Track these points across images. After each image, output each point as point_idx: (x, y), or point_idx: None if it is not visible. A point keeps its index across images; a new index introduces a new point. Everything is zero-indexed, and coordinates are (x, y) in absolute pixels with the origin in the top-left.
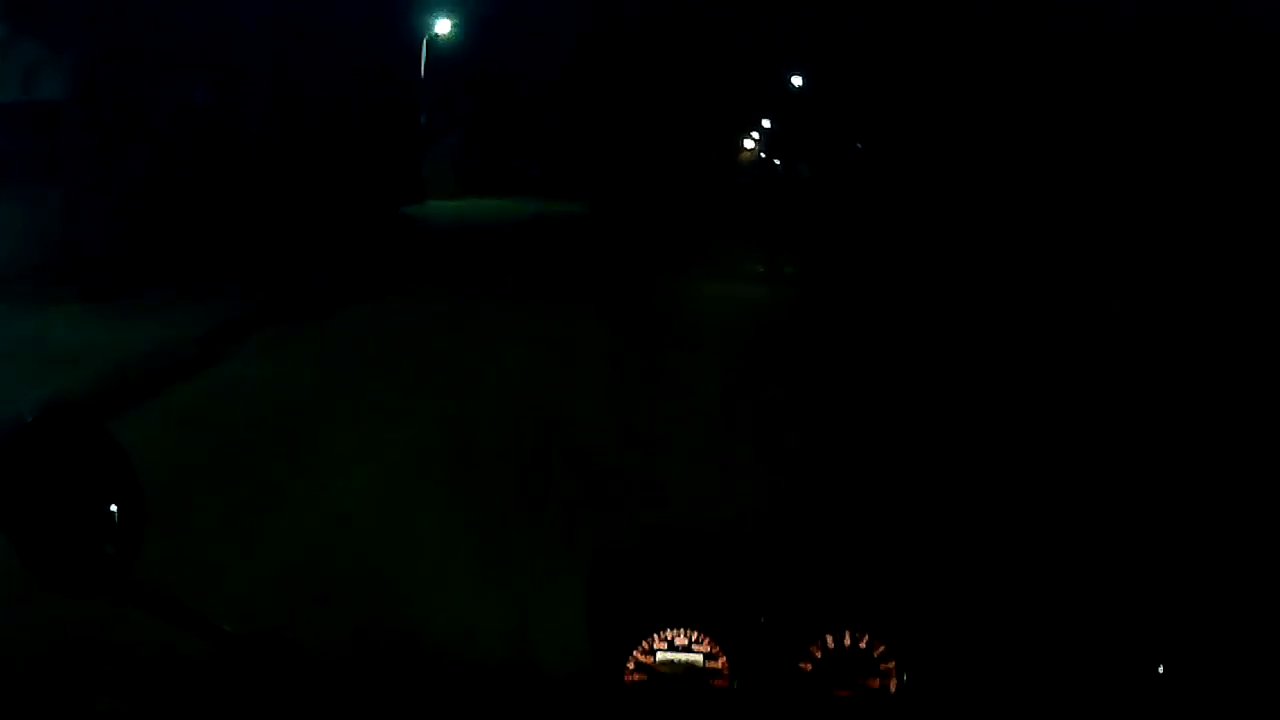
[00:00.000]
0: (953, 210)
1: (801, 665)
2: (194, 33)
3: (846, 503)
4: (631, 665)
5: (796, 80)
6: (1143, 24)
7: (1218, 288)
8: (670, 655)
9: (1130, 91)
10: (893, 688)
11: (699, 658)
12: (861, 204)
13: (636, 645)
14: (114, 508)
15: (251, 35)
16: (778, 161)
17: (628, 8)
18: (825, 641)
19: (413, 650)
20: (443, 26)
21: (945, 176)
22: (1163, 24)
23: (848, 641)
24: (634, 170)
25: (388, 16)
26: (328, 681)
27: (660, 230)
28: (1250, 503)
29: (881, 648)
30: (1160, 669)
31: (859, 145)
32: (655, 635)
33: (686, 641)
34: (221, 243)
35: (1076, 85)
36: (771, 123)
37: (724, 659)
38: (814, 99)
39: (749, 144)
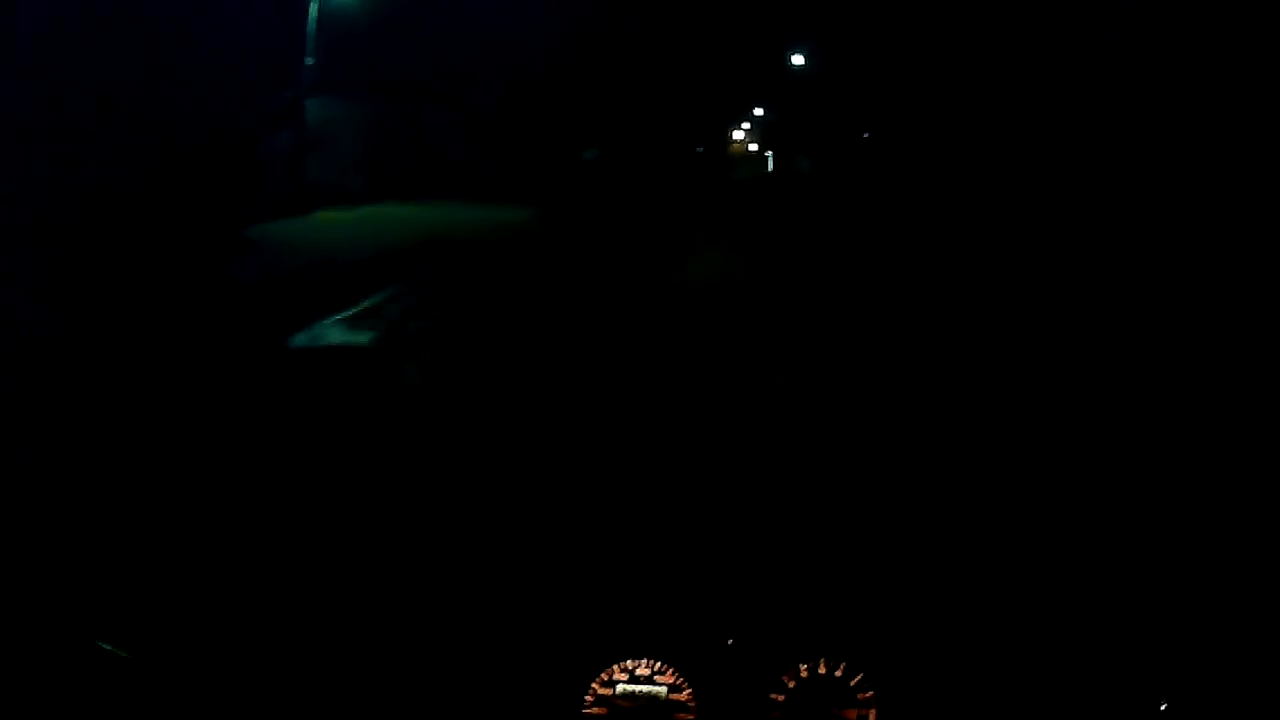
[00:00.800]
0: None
1: (773, 696)
2: None
3: (820, 516)
4: (590, 699)
5: (797, 59)
6: None
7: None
8: (631, 687)
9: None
10: (872, 719)
11: (662, 689)
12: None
13: (595, 677)
14: None
15: None
16: (770, 154)
17: None
18: (799, 670)
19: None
20: None
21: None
22: None
23: (823, 670)
24: (603, 163)
25: None
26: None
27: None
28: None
29: (859, 676)
30: (1163, 707)
31: (866, 135)
32: (615, 666)
33: (649, 672)
34: None
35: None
36: (765, 110)
37: (689, 691)
38: (817, 80)
39: (739, 135)
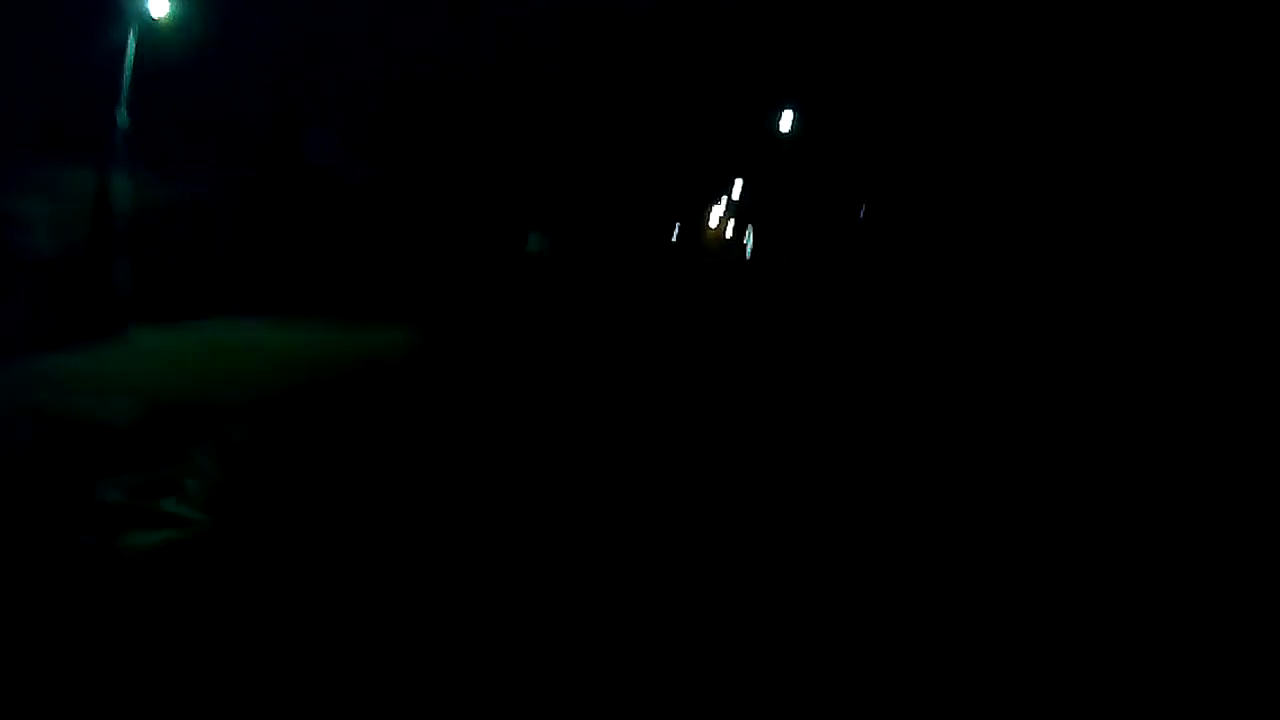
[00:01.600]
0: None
1: None
2: None
3: None
4: None
5: (784, 123)
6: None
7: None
8: None
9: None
10: None
11: None
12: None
13: None
14: None
15: None
16: (747, 242)
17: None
18: None
19: None
20: (160, 6)
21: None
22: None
23: None
24: (551, 253)
25: None
26: None
27: None
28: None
29: None
30: None
31: (862, 215)
32: None
33: None
34: None
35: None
36: (744, 186)
37: None
38: (803, 149)
39: (715, 216)
